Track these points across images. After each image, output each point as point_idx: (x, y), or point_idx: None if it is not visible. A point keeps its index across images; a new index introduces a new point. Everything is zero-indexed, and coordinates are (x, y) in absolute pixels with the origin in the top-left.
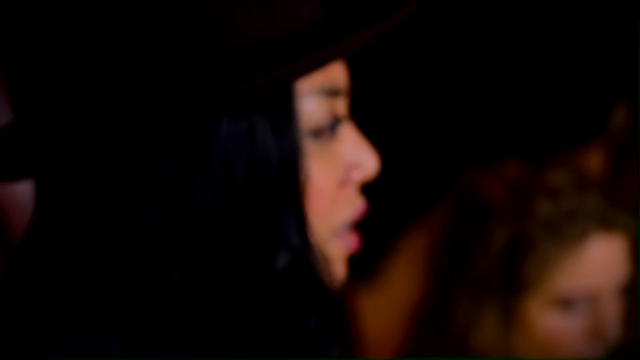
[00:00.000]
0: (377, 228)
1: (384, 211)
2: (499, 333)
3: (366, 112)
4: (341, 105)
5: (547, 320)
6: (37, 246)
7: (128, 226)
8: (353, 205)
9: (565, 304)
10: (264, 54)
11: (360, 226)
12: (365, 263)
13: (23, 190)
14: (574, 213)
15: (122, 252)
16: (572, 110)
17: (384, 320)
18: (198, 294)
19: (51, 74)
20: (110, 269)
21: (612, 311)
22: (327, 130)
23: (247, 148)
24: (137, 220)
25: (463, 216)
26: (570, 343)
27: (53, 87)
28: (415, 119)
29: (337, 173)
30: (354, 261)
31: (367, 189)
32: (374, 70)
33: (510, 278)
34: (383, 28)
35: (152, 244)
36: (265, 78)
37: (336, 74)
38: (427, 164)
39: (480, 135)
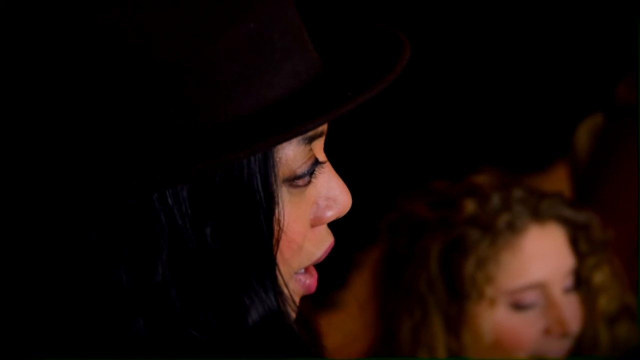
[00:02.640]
0: (338, 245)
1: (345, 228)
2: (451, 341)
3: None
4: (320, 145)
5: (498, 321)
6: None
7: (92, 286)
8: (321, 246)
9: (514, 301)
10: (236, 136)
11: None
12: (326, 280)
13: None
14: (502, 209)
15: (85, 306)
16: (536, 131)
17: (344, 335)
18: (164, 346)
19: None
20: (74, 320)
21: (568, 304)
22: (306, 177)
23: (218, 208)
24: (101, 281)
25: (397, 238)
26: (529, 341)
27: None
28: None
29: (308, 216)
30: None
31: None
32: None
33: (453, 284)
34: (375, 92)
35: (117, 301)
36: (234, 156)
37: None
38: (388, 182)
39: (449, 155)
